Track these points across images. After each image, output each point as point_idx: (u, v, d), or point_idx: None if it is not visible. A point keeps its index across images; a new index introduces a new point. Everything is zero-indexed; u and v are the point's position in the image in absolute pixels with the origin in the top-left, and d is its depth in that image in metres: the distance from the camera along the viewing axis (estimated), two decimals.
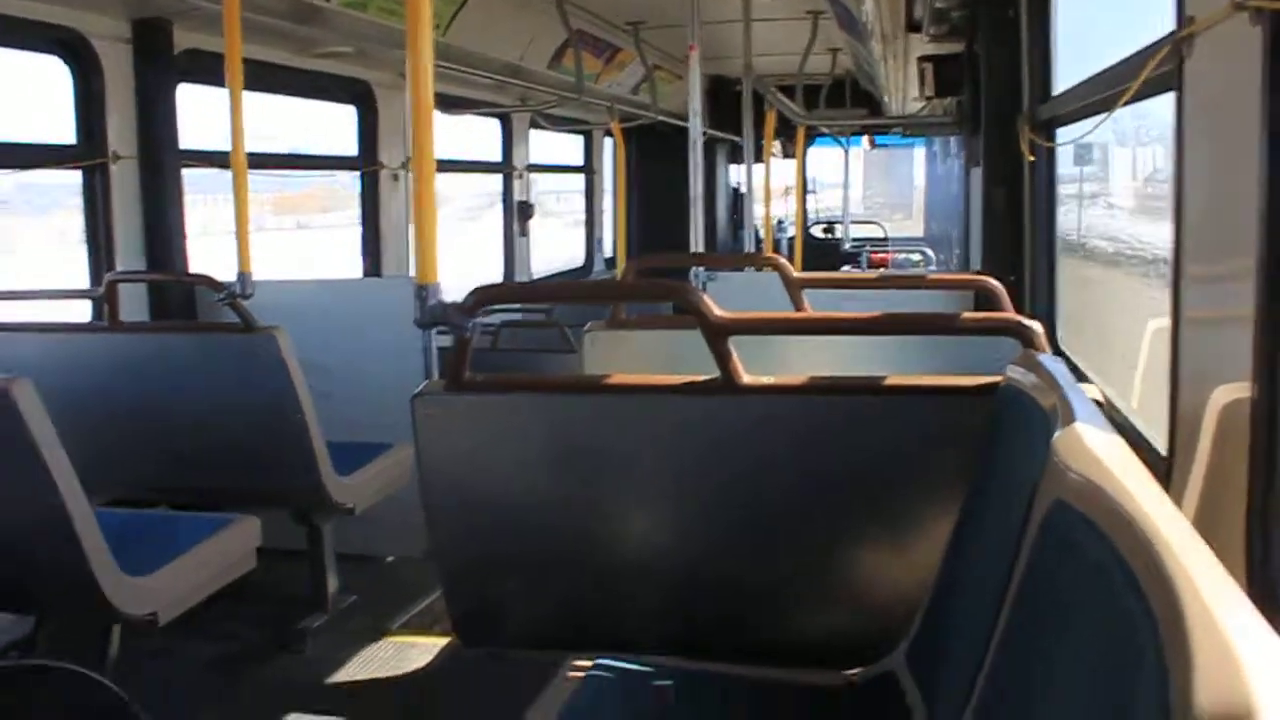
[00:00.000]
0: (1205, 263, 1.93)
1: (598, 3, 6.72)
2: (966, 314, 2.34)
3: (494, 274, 8.45)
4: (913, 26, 5.80)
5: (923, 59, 6.40)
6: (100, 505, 2.89)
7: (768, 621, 2.32)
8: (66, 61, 4.35)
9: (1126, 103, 2.30)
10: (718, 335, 2.14)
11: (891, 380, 2.17)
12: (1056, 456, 1.28)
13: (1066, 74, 3.74)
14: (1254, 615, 0.84)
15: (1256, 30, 1.54)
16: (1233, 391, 1.71)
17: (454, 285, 2.73)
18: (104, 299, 3.88)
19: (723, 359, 2.15)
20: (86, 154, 4.40)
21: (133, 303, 4.38)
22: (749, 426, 2.23)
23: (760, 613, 2.32)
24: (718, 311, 2.15)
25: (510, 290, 6.42)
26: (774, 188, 9.44)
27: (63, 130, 4.41)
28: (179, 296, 4.67)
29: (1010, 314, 2.54)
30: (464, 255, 9.30)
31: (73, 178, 4.45)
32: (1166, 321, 2.09)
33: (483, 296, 2.32)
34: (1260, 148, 1.56)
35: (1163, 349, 2.13)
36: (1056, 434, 1.32)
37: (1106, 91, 2.69)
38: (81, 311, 4.42)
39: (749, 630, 2.34)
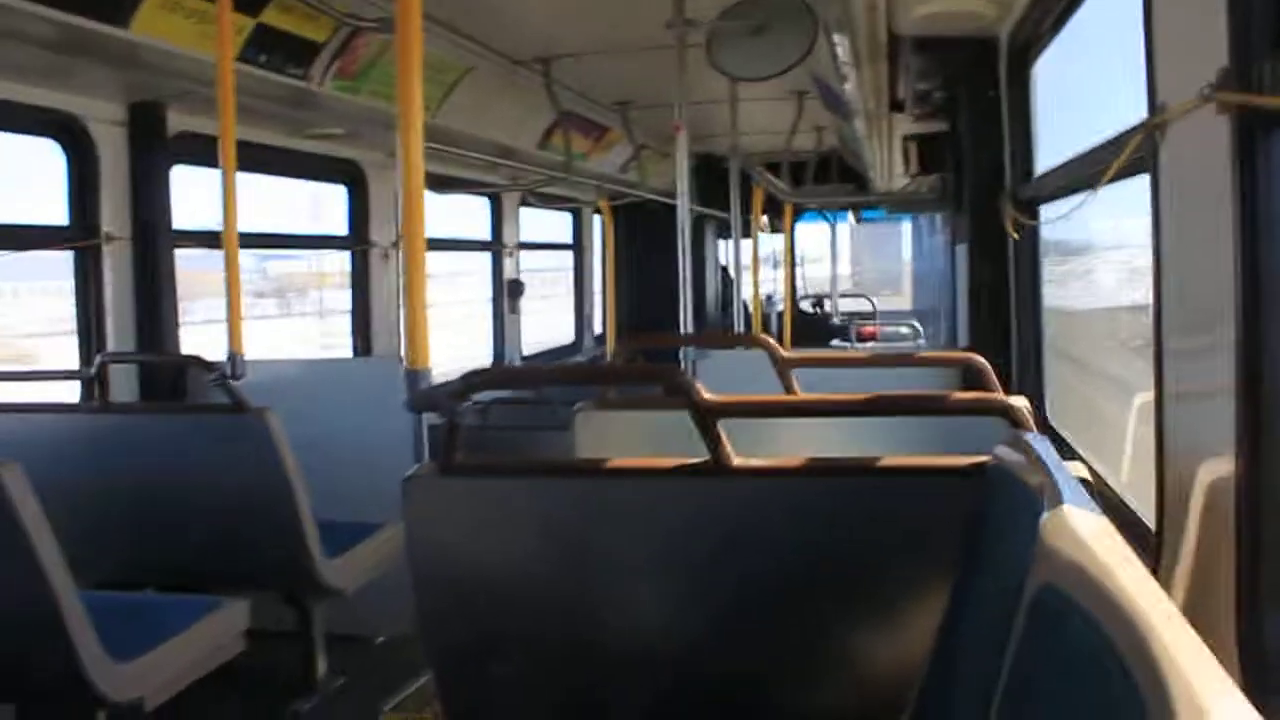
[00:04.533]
0: (1185, 337, 1.96)
1: (586, 84, 6.82)
2: (955, 394, 2.36)
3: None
4: (896, 106, 5.90)
5: (907, 137, 6.50)
6: (86, 588, 2.86)
7: (763, 706, 2.30)
8: (62, 144, 4.40)
9: (1106, 183, 2.35)
10: (707, 418, 2.15)
11: (882, 461, 2.18)
12: (1044, 539, 1.28)
13: (1049, 147, 3.81)
14: (1243, 704, 0.85)
15: (1224, 119, 1.59)
16: (1218, 467, 1.72)
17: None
18: (95, 379, 3.88)
19: (712, 442, 2.16)
20: (79, 235, 4.43)
21: (123, 383, 4.39)
22: (740, 508, 2.23)
23: (755, 697, 2.31)
24: (707, 394, 2.16)
25: (501, 375, 6.50)
26: (761, 257, 9.52)
27: (50, 211, 4.46)
28: (170, 377, 4.68)
29: (997, 394, 2.56)
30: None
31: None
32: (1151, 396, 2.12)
33: (473, 382, 2.32)
34: (1232, 230, 1.60)
35: (1149, 422, 2.15)
36: (1044, 516, 1.33)
37: (1086, 172, 2.75)
38: (71, 392, 4.43)
39: (744, 716, 2.32)
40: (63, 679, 2.75)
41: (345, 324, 6.67)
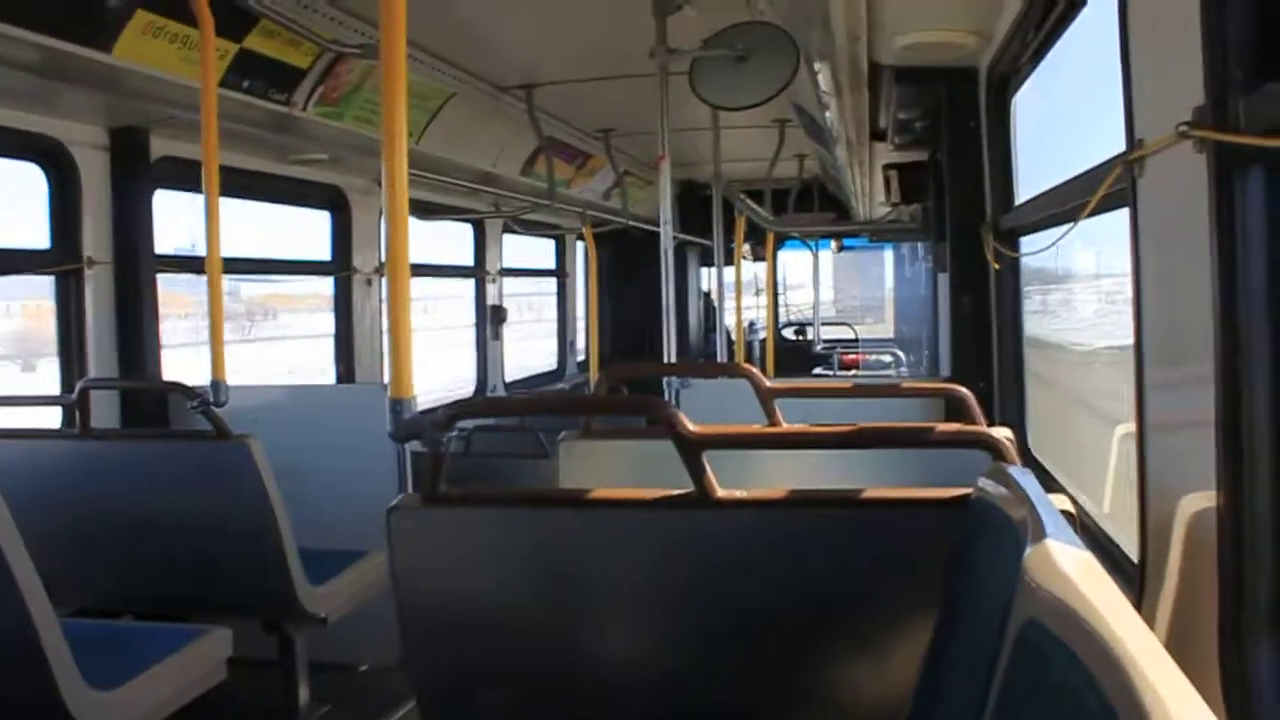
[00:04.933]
0: (1166, 370, 1.97)
1: (569, 111, 6.85)
2: (938, 427, 2.37)
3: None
4: (877, 135, 5.95)
5: (888, 166, 6.55)
6: (65, 616, 2.83)
7: None
8: (43, 168, 4.39)
9: (1086, 216, 2.37)
10: (691, 449, 2.15)
11: (865, 493, 2.18)
12: (1027, 574, 1.29)
13: (1030, 178, 3.84)
14: None
15: (1201, 155, 1.61)
16: (1200, 500, 1.73)
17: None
18: (76, 405, 3.86)
19: (696, 473, 2.16)
20: (61, 259, 4.41)
21: (105, 409, 4.36)
22: (724, 540, 2.23)
23: None
24: (691, 426, 2.16)
25: (485, 404, 6.51)
26: (743, 284, 9.57)
27: (26, 234, 4.45)
28: (152, 403, 4.65)
29: (979, 426, 2.57)
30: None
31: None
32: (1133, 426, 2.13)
33: (458, 411, 2.32)
34: (1210, 264, 1.61)
35: (1131, 454, 2.16)
36: (1027, 550, 1.33)
37: (1065, 205, 2.77)
38: (52, 418, 4.40)
39: None
40: (41, 708, 2.71)
41: (313, 349, 6.65)
